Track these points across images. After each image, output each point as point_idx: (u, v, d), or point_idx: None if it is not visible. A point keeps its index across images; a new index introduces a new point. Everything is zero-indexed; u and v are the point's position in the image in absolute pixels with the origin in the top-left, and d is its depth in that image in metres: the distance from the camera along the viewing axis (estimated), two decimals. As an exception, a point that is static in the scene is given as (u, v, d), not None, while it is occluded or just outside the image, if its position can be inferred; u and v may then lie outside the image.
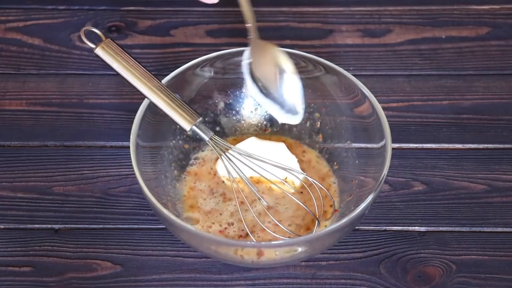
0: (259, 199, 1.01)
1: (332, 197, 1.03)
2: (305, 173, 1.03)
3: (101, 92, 1.18)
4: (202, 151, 1.08)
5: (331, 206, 1.03)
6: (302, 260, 1.00)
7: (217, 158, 1.06)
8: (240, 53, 1.04)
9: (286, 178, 1.03)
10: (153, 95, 0.98)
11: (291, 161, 1.04)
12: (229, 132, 1.11)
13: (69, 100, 1.17)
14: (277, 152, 1.04)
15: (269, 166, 1.01)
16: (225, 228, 1.00)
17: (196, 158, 1.08)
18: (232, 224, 1.01)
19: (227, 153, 1.01)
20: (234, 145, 1.04)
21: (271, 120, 1.11)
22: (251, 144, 1.05)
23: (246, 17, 0.95)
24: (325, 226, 1.01)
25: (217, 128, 1.10)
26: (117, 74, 0.98)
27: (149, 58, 1.22)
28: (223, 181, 1.04)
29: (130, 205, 1.05)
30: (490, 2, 1.30)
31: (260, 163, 1.01)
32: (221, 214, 1.02)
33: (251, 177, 1.02)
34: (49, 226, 1.04)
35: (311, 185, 1.03)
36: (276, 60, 0.98)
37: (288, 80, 0.98)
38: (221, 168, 1.05)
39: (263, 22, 1.27)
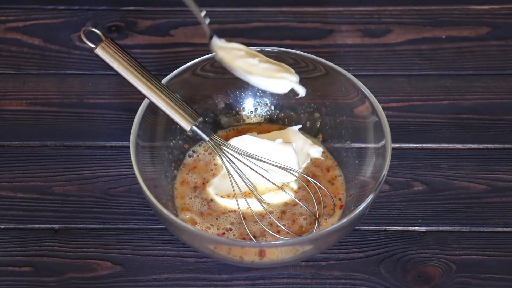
0: (261, 202, 1.01)
1: (332, 197, 1.02)
2: (308, 176, 1.03)
3: (101, 92, 1.18)
4: (199, 145, 1.08)
5: (333, 205, 1.02)
6: (302, 260, 1.00)
7: (211, 166, 1.06)
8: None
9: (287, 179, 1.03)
10: (153, 95, 0.98)
11: (295, 163, 1.03)
12: (229, 132, 1.10)
13: (69, 100, 1.17)
14: (283, 154, 1.03)
15: (270, 167, 1.01)
16: (223, 233, 1.00)
17: (194, 151, 1.07)
18: (231, 229, 1.00)
19: (227, 153, 1.01)
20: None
21: (271, 121, 1.11)
22: (254, 143, 1.04)
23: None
24: (332, 224, 1.00)
25: (217, 129, 1.10)
26: (117, 74, 0.98)
27: (149, 58, 1.22)
28: (211, 199, 1.03)
29: (130, 205, 1.05)
30: (490, 2, 1.30)
31: (260, 163, 1.01)
32: (217, 219, 1.02)
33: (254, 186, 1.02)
34: (49, 226, 1.03)
35: (312, 185, 1.03)
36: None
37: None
38: (213, 188, 1.03)
39: (263, 22, 1.27)
